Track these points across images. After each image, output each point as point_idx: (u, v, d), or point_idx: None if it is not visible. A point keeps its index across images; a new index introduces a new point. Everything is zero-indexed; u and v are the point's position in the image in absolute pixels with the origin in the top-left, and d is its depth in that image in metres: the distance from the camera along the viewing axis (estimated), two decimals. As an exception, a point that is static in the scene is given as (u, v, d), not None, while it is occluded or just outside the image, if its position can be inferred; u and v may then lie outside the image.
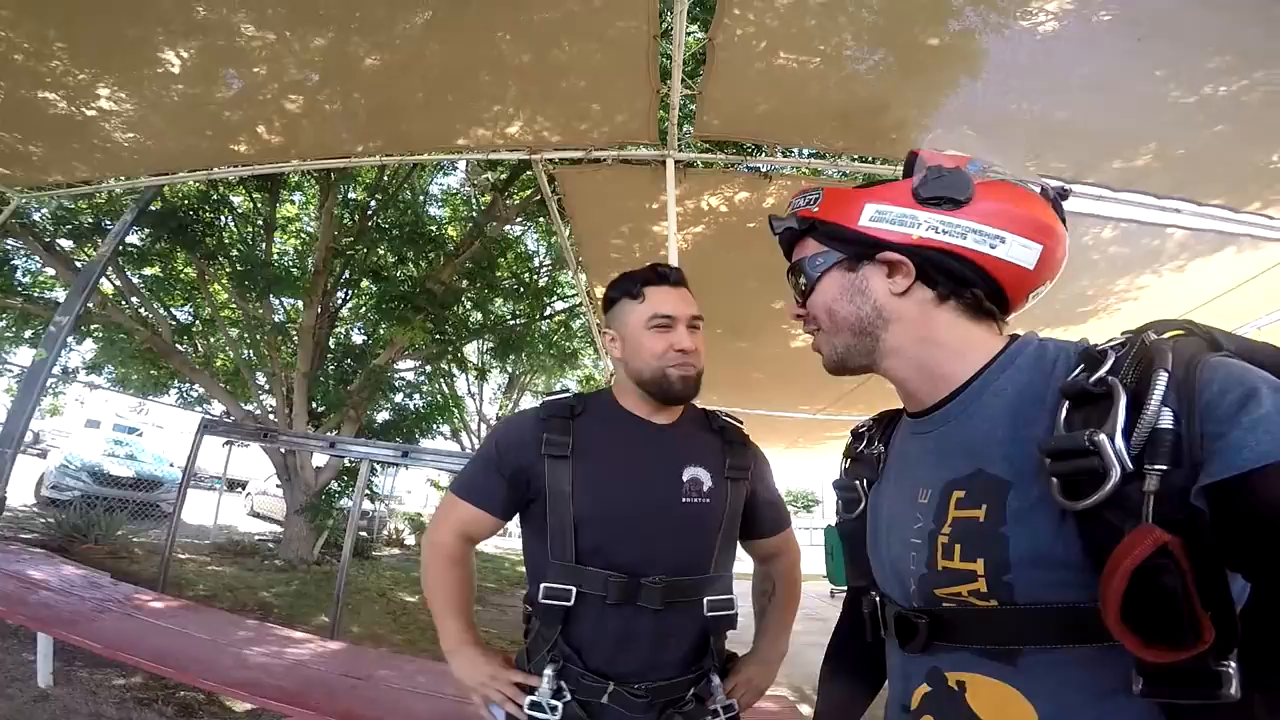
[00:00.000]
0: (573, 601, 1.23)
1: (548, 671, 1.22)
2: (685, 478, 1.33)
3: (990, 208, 0.76)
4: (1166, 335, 0.65)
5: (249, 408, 8.38)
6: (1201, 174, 3.34)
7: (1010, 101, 3.02)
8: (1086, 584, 0.61)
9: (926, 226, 0.77)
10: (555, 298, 9.09)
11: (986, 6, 2.59)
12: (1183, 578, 0.52)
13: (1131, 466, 0.58)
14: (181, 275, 8.50)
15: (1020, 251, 0.76)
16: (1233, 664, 0.53)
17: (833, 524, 1.07)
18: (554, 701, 1.21)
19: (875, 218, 0.80)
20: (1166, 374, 0.59)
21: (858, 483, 0.97)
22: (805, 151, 4.15)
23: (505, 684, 1.26)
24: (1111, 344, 0.67)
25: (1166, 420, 0.58)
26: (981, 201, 0.76)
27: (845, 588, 1.06)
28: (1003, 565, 0.67)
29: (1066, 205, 0.81)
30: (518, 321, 9.14)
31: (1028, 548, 0.66)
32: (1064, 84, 2.90)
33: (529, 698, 1.23)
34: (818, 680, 1.14)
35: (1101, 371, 0.64)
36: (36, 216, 6.96)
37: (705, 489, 1.34)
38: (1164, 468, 0.56)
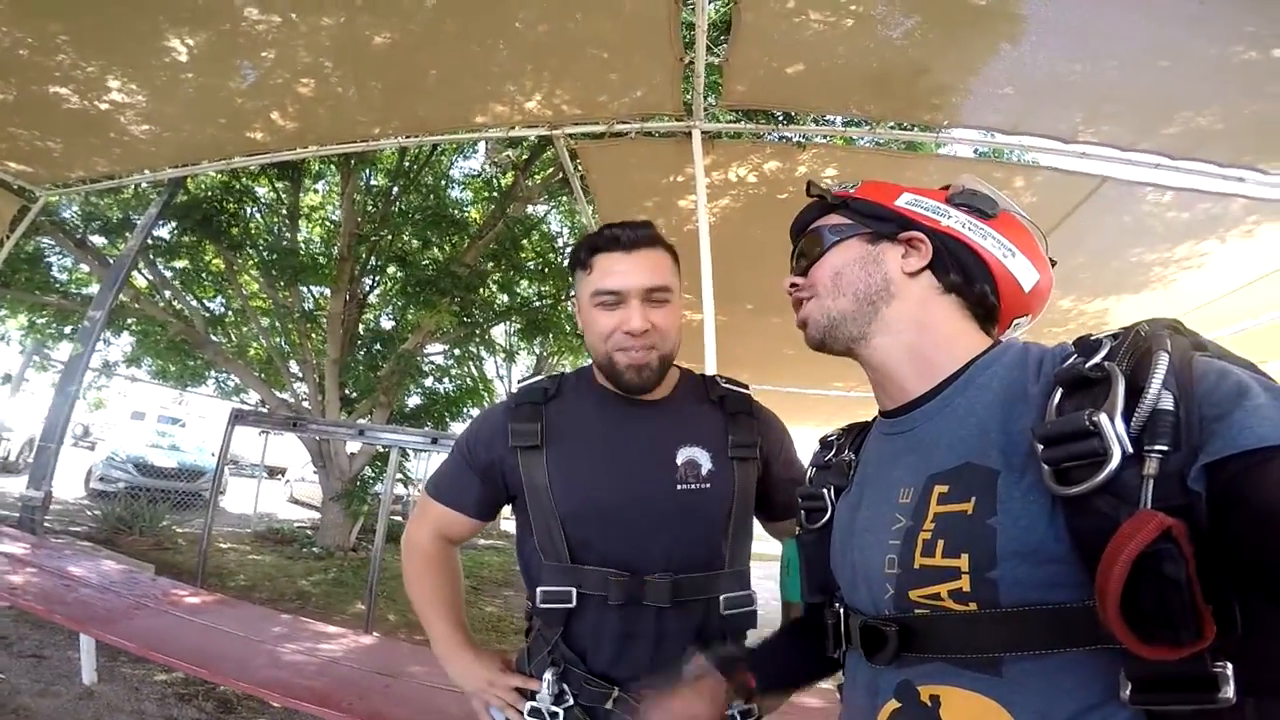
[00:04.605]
0: (574, 603, 1.12)
1: (548, 675, 1.13)
2: (679, 460, 1.17)
3: (1009, 229, 0.84)
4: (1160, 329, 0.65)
5: (283, 396, 8.46)
6: (1270, 139, 3.08)
7: (1060, 64, 2.80)
8: (1075, 582, 0.60)
9: (956, 220, 0.84)
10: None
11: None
12: (1185, 566, 0.50)
13: (1131, 449, 0.56)
14: (211, 267, 8.57)
15: (1025, 270, 0.82)
16: (1229, 665, 0.51)
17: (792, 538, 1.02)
18: (554, 708, 1.12)
19: (911, 203, 0.86)
20: (1167, 356, 0.59)
21: (825, 491, 0.95)
22: (839, 120, 3.94)
23: (504, 689, 1.17)
24: (1105, 334, 0.67)
25: (1167, 402, 0.57)
26: (1004, 222, 0.84)
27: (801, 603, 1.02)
28: (989, 560, 0.64)
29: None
30: (544, 302, 9.07)
31: (1017, 540, 0.63)
32: (1119, 45, 2.67)
33: (529, 703, 1.14)
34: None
35: (1098, 357, 0.63)
36: (67, 214, 7.05)
37: (704, 472, 1.18)
38: (1165, 448, 0.55)
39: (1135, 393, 0.58)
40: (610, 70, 3.33)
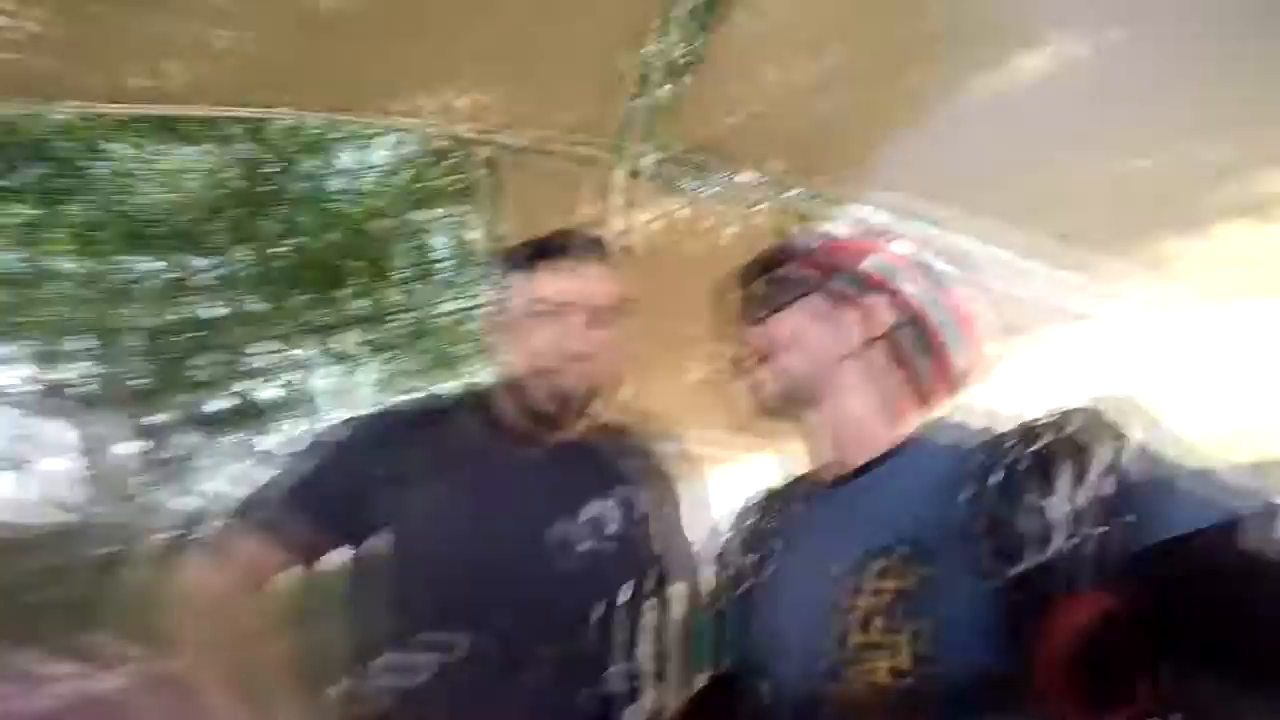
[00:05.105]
0: (428, 678, 0.94)
1: None
2: (583, 516, 1.07)
3: (958, 306, 0.87)
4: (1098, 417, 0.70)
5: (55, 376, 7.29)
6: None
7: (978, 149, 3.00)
8: (1012, 652, 0.62)
9: (915, 290, 0.85)
10: (452, 296, 8.59)
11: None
12: (1121, 640, 0.55)
13: (1072, 530, 0.60)
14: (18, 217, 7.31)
15: (968, 348, 0.86)
16: (1179, 716, 0.56)
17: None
18: None
19: (875, 267, 0.87)
20: (1107, 443, 0.63)
21: (748, 559, 0.93)
22: (765, 176, 4.13)
23: None
24: (1045, 419, 0.71)
25: (1108, 488, 0.61)
26: (954, 298, 0.87)
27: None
28: (927, 637, 0.67)
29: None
30: (407, 315, 8.56)
31: (954, 617, 0.66)
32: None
33: None
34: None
35: (1039, 444, 0.67)
36: None
37: (609, 531, 1.08)
38: (1104, 530, 0.59)
39: (1076, 477, 0.63)
40: (545, 87, 3.29)
